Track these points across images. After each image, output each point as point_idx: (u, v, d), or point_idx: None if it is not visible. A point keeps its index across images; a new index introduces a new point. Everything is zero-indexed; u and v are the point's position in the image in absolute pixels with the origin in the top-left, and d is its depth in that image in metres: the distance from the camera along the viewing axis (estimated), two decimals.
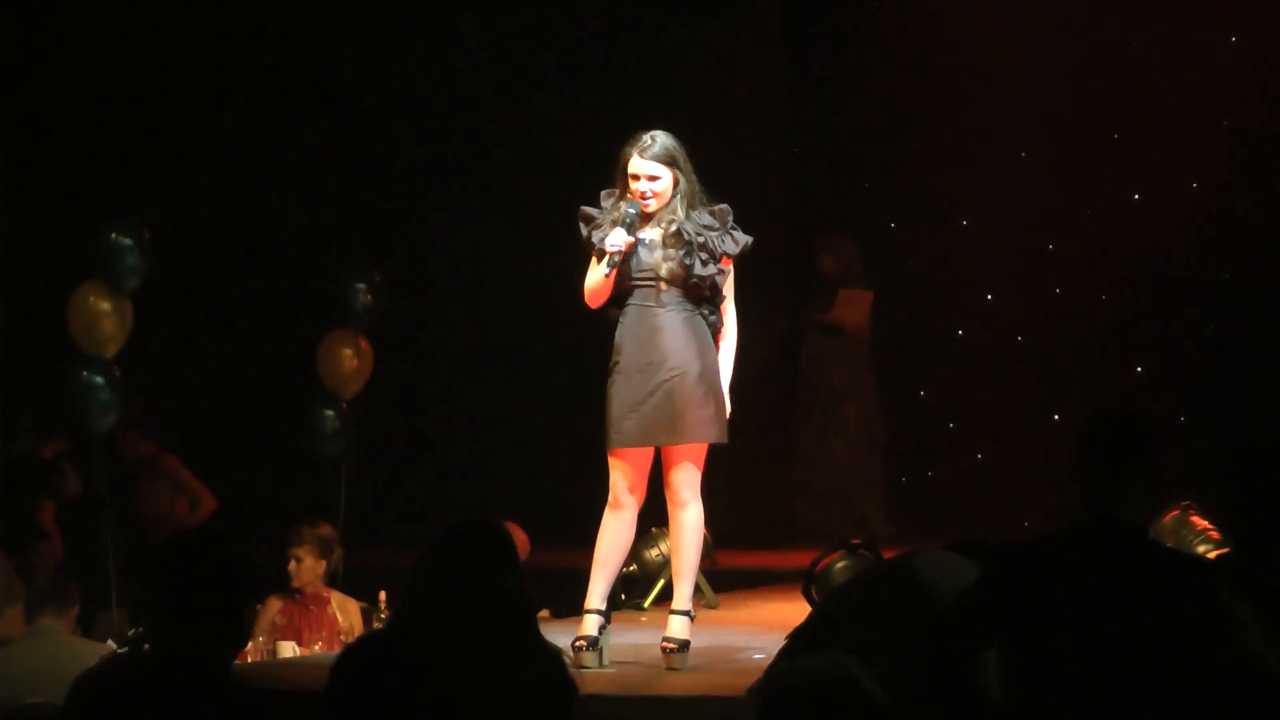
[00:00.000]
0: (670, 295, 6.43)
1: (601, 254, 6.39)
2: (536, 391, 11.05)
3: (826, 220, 11.99)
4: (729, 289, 6.50)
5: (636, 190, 6.41)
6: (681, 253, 6.38)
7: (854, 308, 11.78)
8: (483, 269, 11.22)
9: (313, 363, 10.37)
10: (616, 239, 6.34)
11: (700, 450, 6.45)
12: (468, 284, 11.30)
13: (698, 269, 6.41)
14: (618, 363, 6.47)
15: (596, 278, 6.44)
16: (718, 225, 6.43)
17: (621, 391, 6.44)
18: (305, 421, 10.30)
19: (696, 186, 6.47)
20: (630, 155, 6.40)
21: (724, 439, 6.45)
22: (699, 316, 6.48)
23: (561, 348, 10.01)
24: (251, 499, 10.29)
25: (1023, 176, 11.73)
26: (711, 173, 6.66)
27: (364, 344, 10.46)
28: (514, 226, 10.98)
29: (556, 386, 10.46)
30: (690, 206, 6.44)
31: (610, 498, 6.46)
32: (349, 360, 10.39)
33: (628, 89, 10.58)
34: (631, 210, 6.36)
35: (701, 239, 6.39)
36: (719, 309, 6.52)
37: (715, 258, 6.41)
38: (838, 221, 11.96)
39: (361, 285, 10.38)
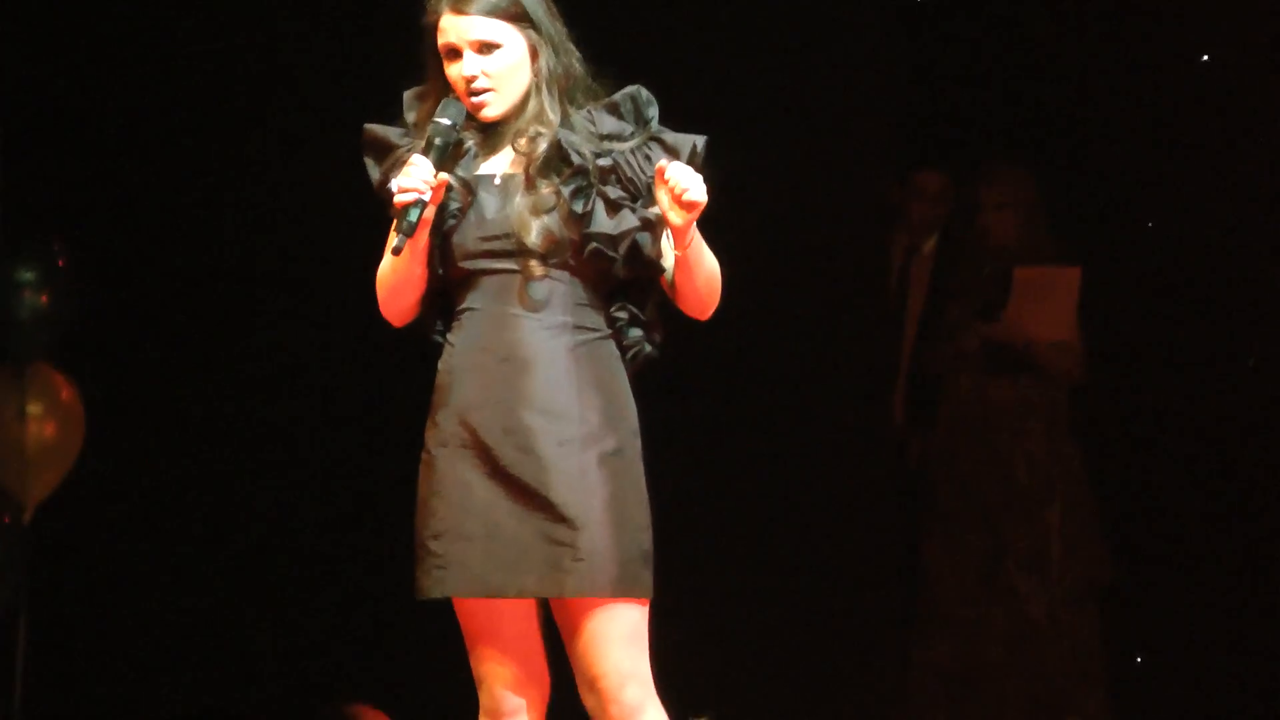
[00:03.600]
0: (547, 287, 3.98)
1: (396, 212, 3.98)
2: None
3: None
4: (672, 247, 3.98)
5: (458, 78, 4.00)
6: (568, 190, 3.94)
7: None
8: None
9: None
10: (414, 175, 3.89)
11: (631, 608, 3.96)
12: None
13: (600, 222, 3.95)
14: (438, 427, 4.02)
15: (389, 260, 4.02)
16: (630, 126, 4.00)
17: (448, 484, 3.99)
18: None
19: (577, 60, 4.04)
20: (440, 11, 4.01)
21: (645, 591, 3.98)
22: (602, 343, 3.99)
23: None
24: None
25: None
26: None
27: None
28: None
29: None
30: (569, 99, 4.02)
31: (481, 700, 4.10)
32: None
33: None
34: (445, 120, 3.97)
35: (606, 159, 3.96)
36: (648, 303, 4.03)
37: (636, 192, 3.95)
38: None
39: None
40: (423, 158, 3.93)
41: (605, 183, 3.97)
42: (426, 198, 3.90)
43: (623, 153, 4.00)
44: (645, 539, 4.01)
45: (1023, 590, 7.19)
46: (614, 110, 4.03)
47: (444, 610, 4.08)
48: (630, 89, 4.06)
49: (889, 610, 7.21)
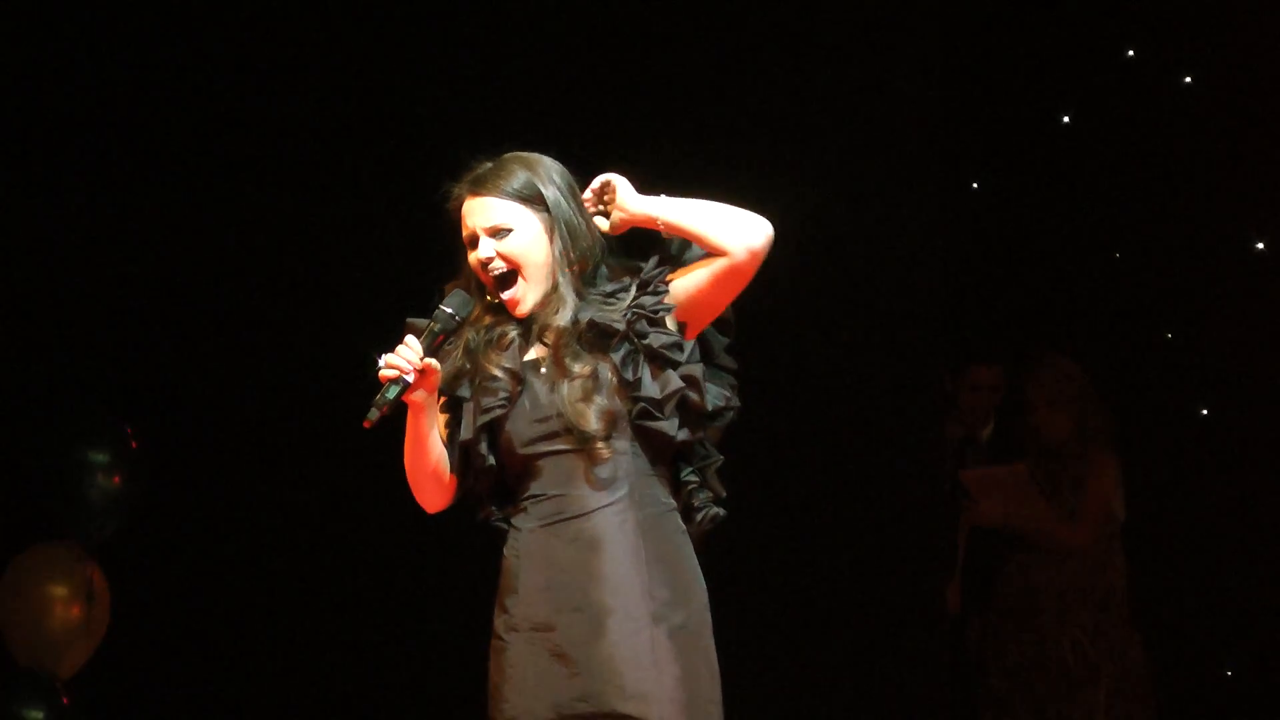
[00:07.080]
0: (612, 464, 3.89)
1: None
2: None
3: None
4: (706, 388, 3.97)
5: (476, 264, 3.96)
6: (618, 356, 3.89)
7: None
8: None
9: None
10: (401, 355, 3.82)
11: None
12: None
13: (646, 386, 3.87)
14: (508, 613, 3.92)
15: (406, 454, 3.95)
16: (629, 287, 3.96)
17: (519, 668, 3.87)
18: None
19: (600, 247, 3.97)
20: (461, 196, 3.99)
21: None
22: (668, 516, 3.91)
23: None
24: None
25: None
26: None
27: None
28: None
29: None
30: (580, 278, 3.97)
31: None
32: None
33: None
34: (448, 308, 3.92)
35: (632, 317, 3.91)
36: (710, 468, 4.01)
37: (674, 347, 3.92)
38: None
39: None
40: (414, 339, 3.85)
41: (643, 336, 3.93)
42: (409, 379, 3.83)
43: (637, 301, 3.96)
44: (716, 713, 3.92)
45: None
46: (614, 278, 4.01)
47: None
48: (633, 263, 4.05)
49: None
